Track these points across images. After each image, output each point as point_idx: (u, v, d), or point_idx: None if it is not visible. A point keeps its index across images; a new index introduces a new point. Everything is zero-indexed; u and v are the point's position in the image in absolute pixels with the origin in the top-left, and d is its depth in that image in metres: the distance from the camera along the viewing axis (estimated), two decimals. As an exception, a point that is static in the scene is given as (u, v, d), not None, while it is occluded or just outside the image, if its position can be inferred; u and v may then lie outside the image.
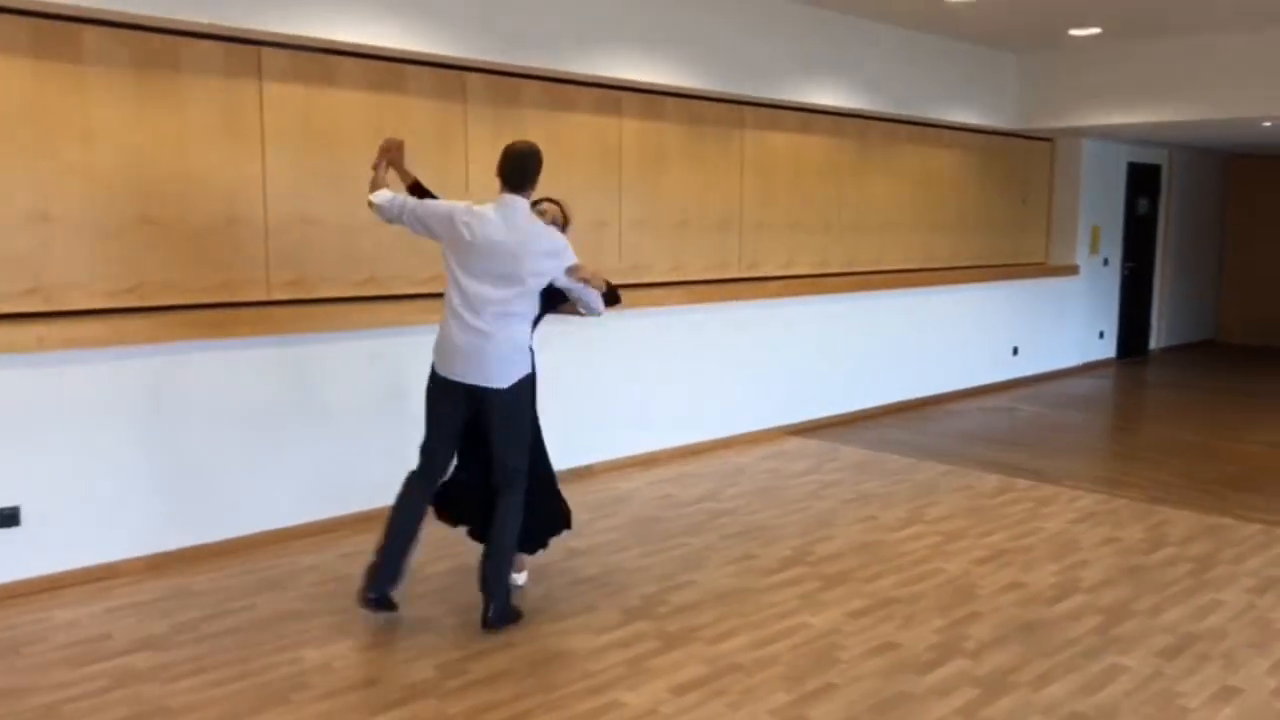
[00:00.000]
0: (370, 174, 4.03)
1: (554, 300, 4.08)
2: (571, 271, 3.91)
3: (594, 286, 3.99)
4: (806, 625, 4.03)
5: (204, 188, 4.67)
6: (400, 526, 3.93)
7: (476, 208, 3.87)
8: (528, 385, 4.00)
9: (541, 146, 3.97)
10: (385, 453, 4.96)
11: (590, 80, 5.92)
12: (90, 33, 4.29)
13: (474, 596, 4.04)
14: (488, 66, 5.46)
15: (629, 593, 4.34)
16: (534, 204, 4.01)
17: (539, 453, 4.20)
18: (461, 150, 5.54)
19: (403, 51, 5.01)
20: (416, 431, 4.03)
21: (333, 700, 3.34)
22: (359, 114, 5.11)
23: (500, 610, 3.92)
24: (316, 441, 4.98)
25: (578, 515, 5.27)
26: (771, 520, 5.36)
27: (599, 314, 4.12)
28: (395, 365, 5.18)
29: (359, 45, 4.86)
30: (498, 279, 3.82)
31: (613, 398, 6.23)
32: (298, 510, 4.94)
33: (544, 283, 3.92)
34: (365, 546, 4.27)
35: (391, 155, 4.07)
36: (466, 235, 3.81)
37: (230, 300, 4.79)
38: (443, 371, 3.92)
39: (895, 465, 6.56)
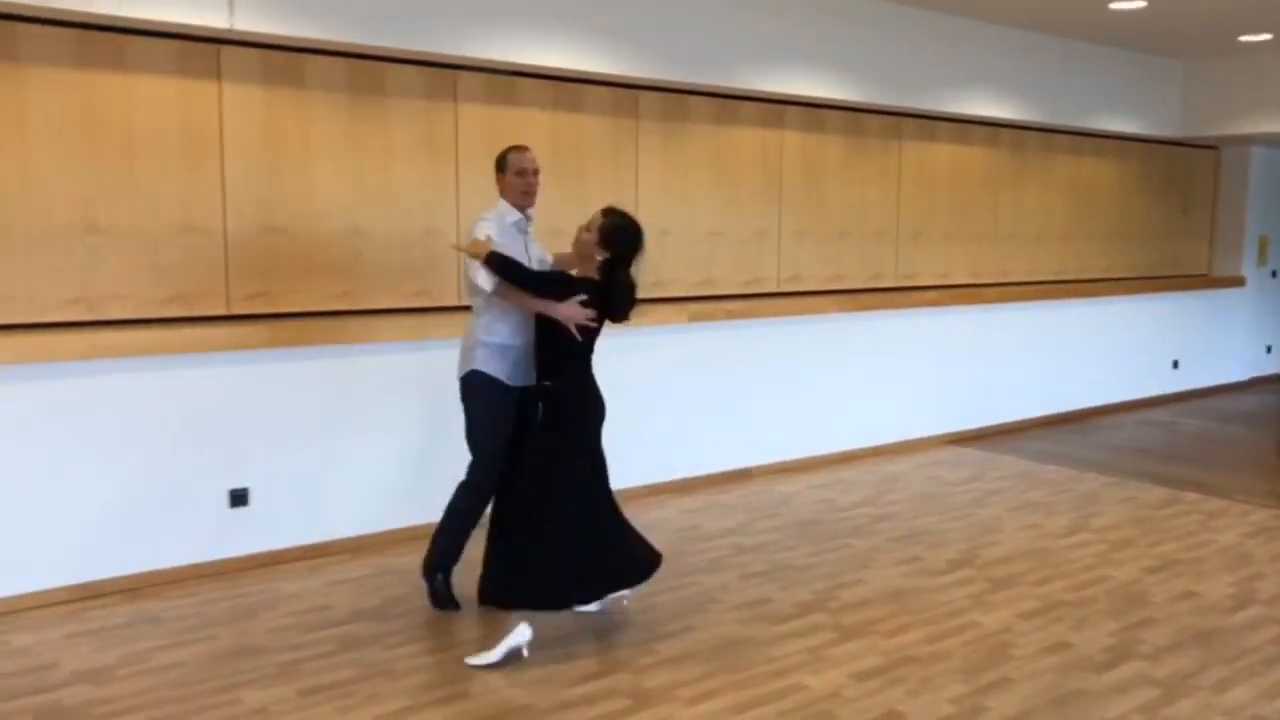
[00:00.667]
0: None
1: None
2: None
3: (469, 258, 3.88)
4: (978, 624, 4.13)
5: (405, 202, 5.07)
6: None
7: None
8: (473, 383, 4.00)
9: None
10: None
11: (755, 95, 6.14)
12: (312, 62, 4.74)
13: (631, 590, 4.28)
14: (659, 84, 5.74)
15: (800, 588, 4.51)
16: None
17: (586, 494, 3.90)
18: (632, 163, 5.82)
19: (580, 72, 5.33)
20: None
21: (538, 668, 3.63)
22: (540, 131, 5.44)
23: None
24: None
25: (741, 514, 5.51)
26: (935, 525, 5.45)
27: (484, 289, 3.85)
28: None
29: (542, 67, 5.20)
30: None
31: (768, 402, 6.41)
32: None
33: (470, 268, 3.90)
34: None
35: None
36: None
37: (427, 305, 5.19)
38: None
39: (1056, 475, 6.53)
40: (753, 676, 3.64)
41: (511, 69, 5.21)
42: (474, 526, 4.15)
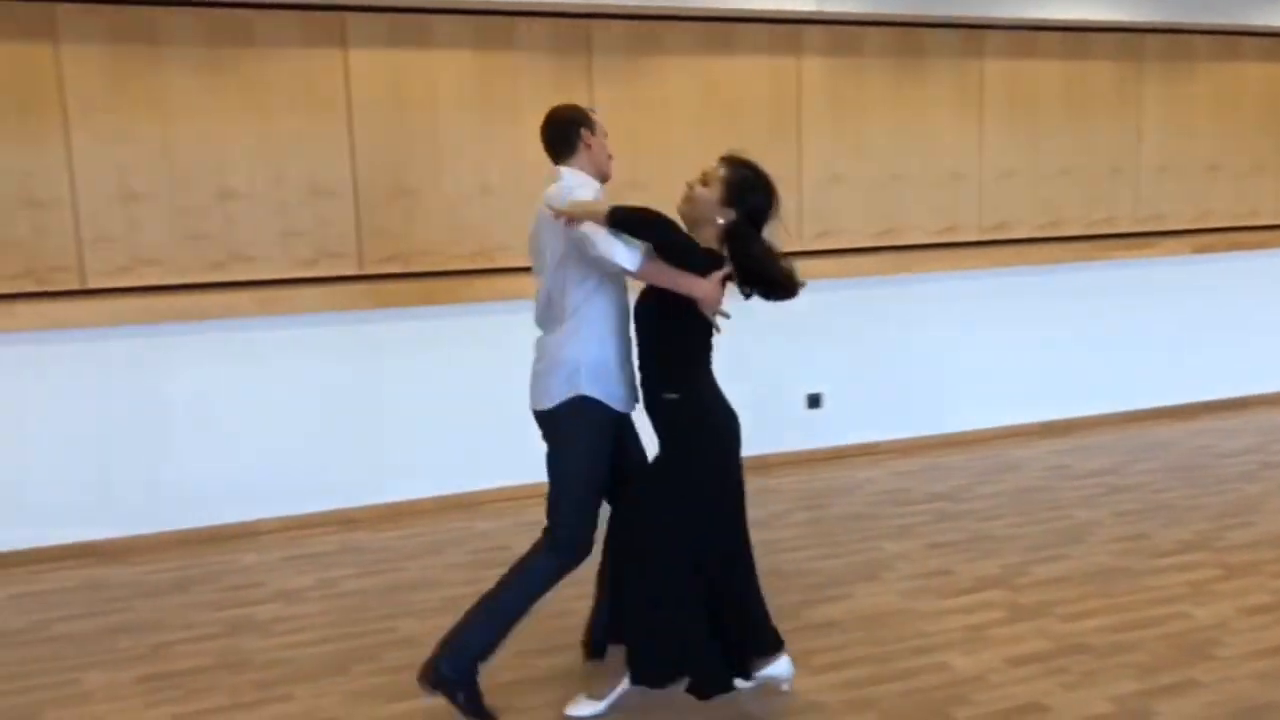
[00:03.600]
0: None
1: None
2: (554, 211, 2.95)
3: (579, 224, 2.90)
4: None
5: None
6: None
7: None
8: (577, 411, 3.00)
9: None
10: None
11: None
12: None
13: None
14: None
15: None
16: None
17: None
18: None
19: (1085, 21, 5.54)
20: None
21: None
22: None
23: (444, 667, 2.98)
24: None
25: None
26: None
27: (619, 264, 2.89)
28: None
29: (1065, 21, 5.50)
30: (541, 269, 3.14)
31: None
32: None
33: (566, 248, 2.98)
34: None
35: None
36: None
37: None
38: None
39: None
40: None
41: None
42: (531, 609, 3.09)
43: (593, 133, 3.15)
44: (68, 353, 4.34)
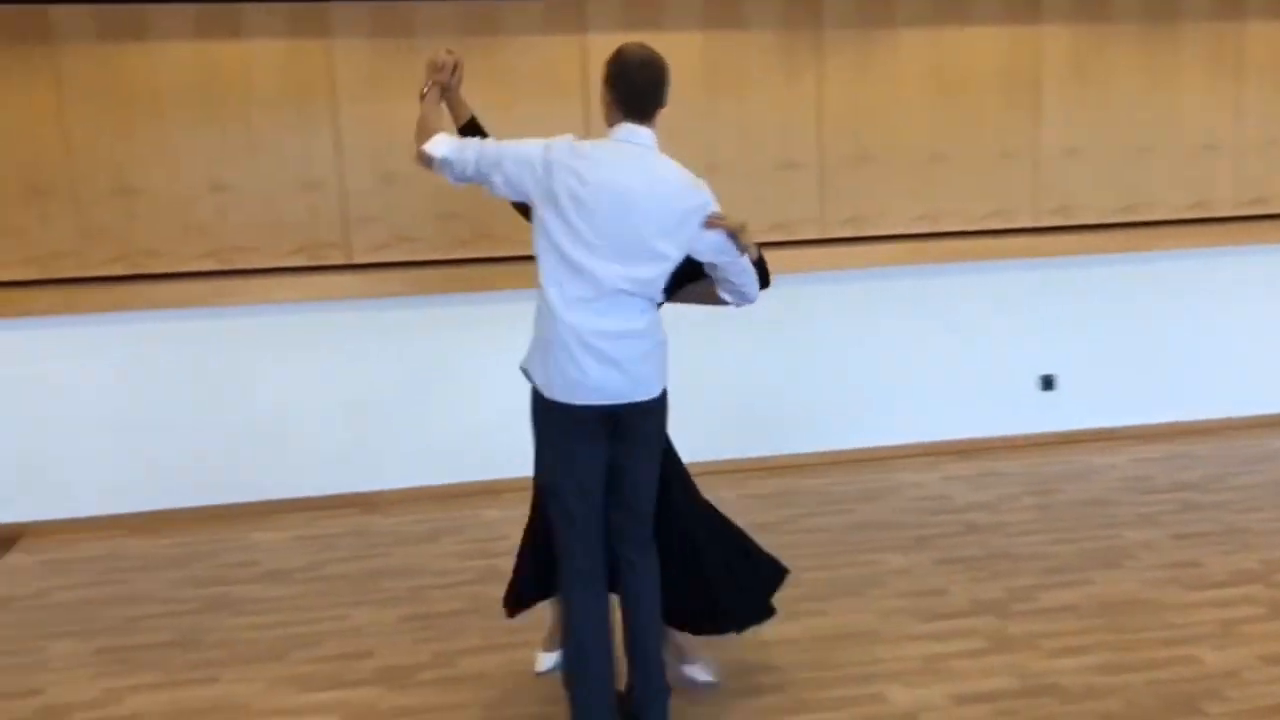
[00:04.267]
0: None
1: (682, 279, 2.86)
2: (715, 224, 2.69)
3: (747, 253, 2.74)
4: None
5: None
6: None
7: (581, 144, 2.75)
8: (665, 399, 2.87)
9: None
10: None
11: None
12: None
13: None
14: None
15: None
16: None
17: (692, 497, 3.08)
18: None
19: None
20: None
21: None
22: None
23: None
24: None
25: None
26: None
27: (751, 300, 2.87)
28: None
29: None
30: (624, 249, 2.66)
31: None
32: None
33: (681, 255, 2.73)
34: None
35: (443, 78, 2.96)
36: (577, 185, 2.67)
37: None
38: (563, 397, 2.71)
39: None
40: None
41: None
42: None
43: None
44: (337, 321, 4.76)
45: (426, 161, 2.81)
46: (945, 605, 3.62)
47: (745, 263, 2.76)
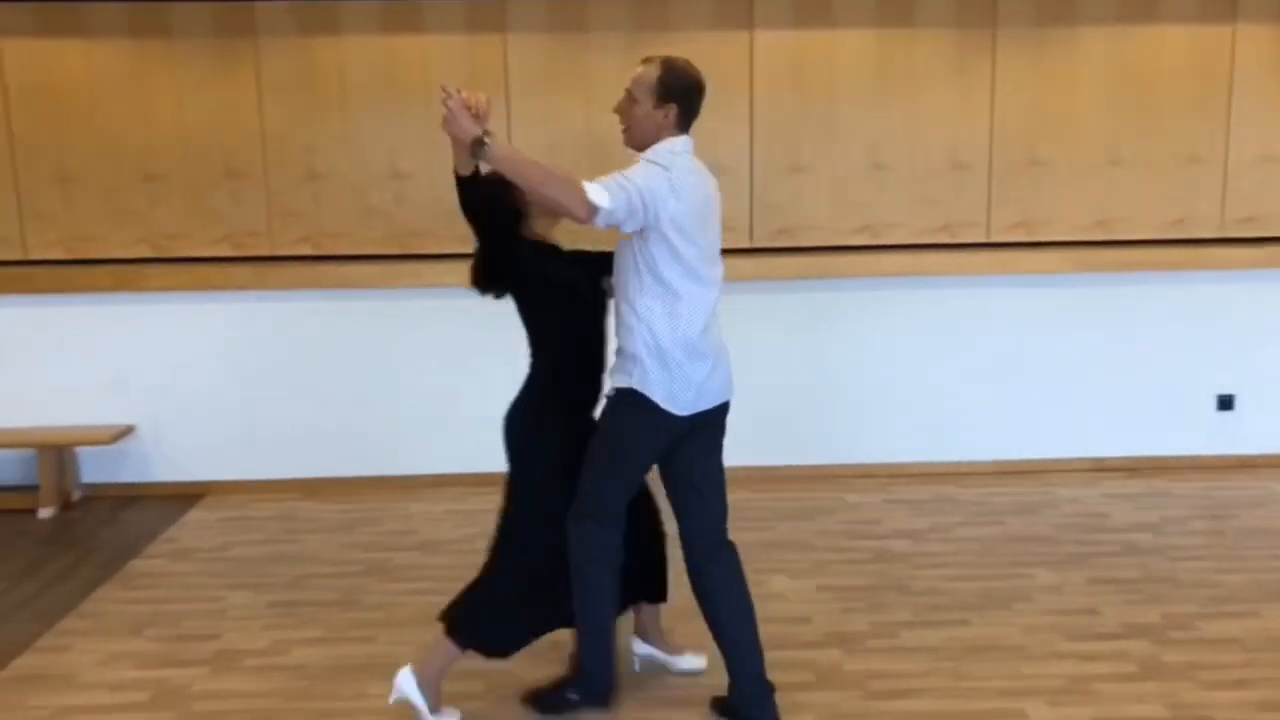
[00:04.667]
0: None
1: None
2: None
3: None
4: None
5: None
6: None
7: (679, 159, 2.78)
8: None
9: None
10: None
11: None
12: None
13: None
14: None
15: None
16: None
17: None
18: None
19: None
20: None
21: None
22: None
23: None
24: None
25: None
26: None
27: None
28: None
29: None
30: (717, 252, 2.85)
31: None
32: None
33: None
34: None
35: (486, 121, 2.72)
36: (700, 202, 2.77)
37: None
38: (689, 408, 2.80)
39: None
40: None
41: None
42: None
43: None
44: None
45: (591, 213, 2.62)
46: (1096, 626, 3.49)
47: None
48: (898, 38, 4.86)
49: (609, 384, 2.91)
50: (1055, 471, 5.09)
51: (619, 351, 2.86)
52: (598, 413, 2.97)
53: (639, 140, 2.82)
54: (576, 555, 2.90)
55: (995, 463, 5.12)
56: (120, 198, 4.80)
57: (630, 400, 2.80)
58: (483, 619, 2.97)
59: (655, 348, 2.76)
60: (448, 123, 2.64)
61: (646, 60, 2.84)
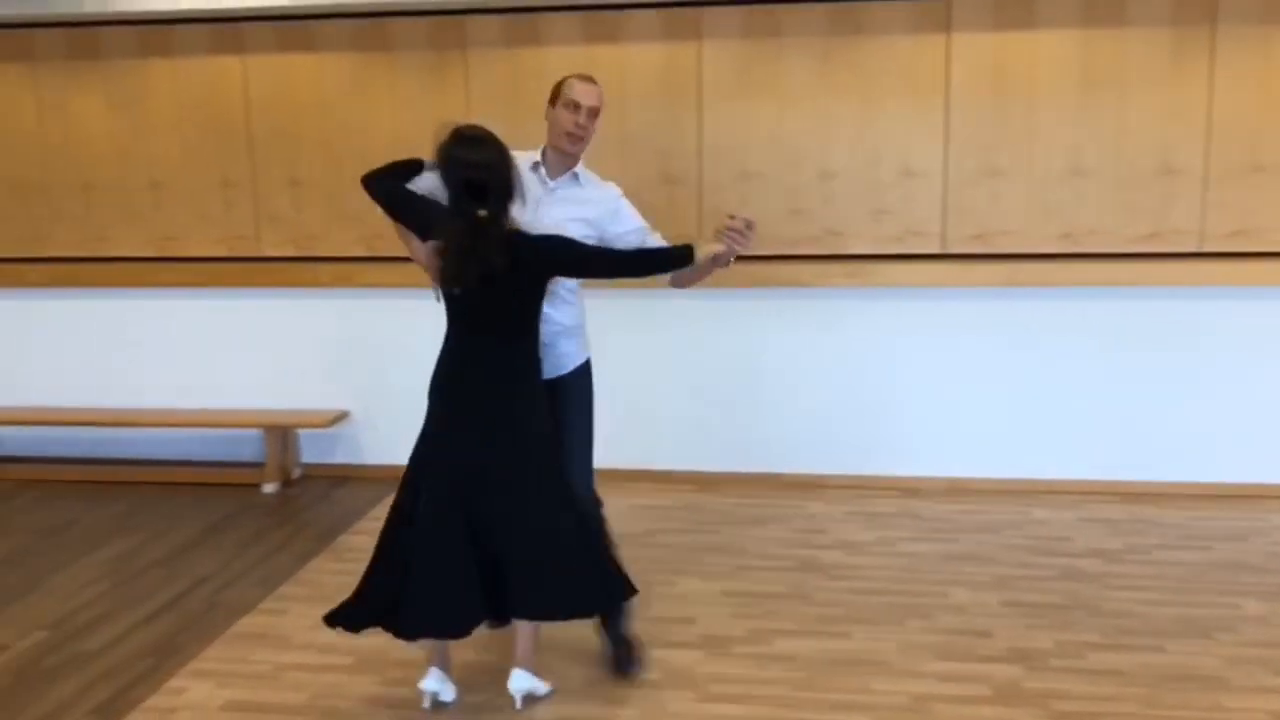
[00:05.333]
0: None
1: None
2: None
3: None
4: None
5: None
6: None
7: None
8: (588, 371, 3.33)
9: None
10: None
11: None
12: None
13: None
14: None
15: None
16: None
17: None
18: None
19: None
20: None
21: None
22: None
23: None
24: None
25: None
26: None
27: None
28: None
29: None
30: None
31: None
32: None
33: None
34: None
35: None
36: None
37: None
38: None
39: None
40: None
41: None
42: None
43: (553, 105, 3.10)
44: (689, 308, 5.07)
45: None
46: (1309, 662, 3.27)
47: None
48: (1105, 37, 4.66)
49: (578, 355, 3.19)
50: (1270, 497, 4.77)
51: (562, 328, 3.11)
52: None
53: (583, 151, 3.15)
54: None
55: (1202, 485, 4.84)
56: (341, 201, 5.19)
57: (589, 369, 3.25)
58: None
59: (583, 322, 3.23)
60: (739, 246, 2.91)
61: (588, 78, 3.11)
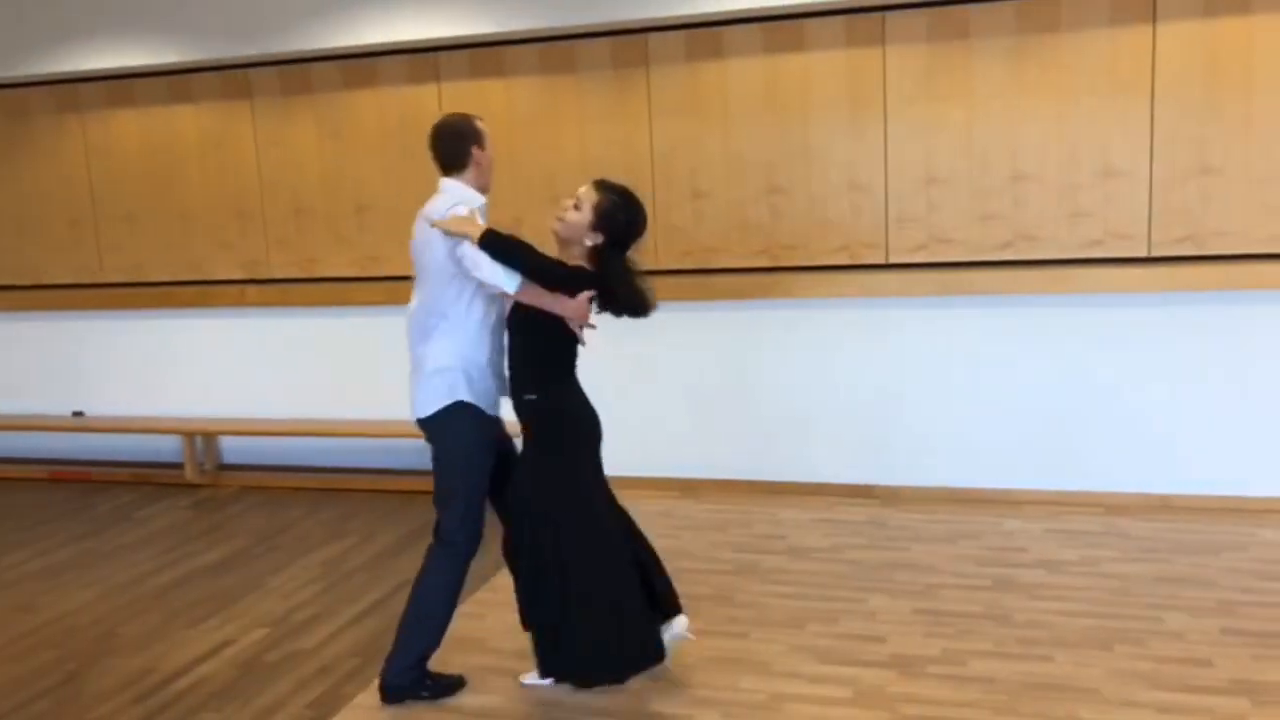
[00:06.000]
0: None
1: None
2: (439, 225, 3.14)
3: (461, 242, 3.11)
4: None
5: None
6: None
7: None
8: (458, 416, 3.23)
9: None
10: None
11: None
12: None
13: None
14: None
15: None
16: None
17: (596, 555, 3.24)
18: None
19: None
20: None
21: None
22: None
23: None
24: None
25: None
26: None
27: (501, 289, 3.13)
28: None
29: None
30: (418, 280, 3.30)
31: None
32: None
33: (444, 260, 3.16)
34: None
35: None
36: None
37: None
38: None
39: None
40: None
41: None
42: (457, 602, 3.37)
43: (483, 148, 3.29)
44: (872, 317, 4.98)
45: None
46: None
47: (467, 254, 3.13)
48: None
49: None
50: None
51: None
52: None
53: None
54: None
55: None
56: (529, 218, 5.35)
57: None
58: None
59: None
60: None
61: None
